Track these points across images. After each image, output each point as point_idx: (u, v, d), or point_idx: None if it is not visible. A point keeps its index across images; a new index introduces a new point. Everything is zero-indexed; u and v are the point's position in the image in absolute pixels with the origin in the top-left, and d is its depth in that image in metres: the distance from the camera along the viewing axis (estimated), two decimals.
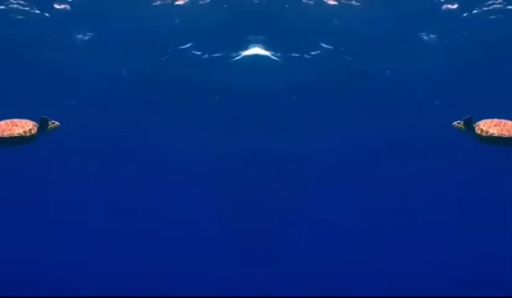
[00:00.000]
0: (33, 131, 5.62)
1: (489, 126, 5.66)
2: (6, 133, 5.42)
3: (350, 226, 10.07)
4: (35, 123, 5.72)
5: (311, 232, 10.22)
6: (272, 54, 8.73)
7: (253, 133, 9.52)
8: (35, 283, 9.18)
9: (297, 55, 8.73)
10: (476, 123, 5.82)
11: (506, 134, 5.54)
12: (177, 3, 7.84)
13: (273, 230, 9.92)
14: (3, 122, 5.56)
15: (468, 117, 5.83)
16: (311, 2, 7.86)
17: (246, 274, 9.64)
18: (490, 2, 7.79)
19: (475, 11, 7.87)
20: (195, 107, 9.36)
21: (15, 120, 5.53)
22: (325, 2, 7.83)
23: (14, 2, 7.71)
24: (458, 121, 5.89)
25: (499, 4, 7.84)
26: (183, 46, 8.64)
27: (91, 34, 8.30)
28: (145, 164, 9.76)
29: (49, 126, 5.76)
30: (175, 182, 9.79)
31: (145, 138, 9.66)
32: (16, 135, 5.48)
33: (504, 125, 5.60)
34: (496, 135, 5.59)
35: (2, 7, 7.76)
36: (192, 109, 9.38)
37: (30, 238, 9.51)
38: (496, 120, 5.67)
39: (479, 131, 5.71)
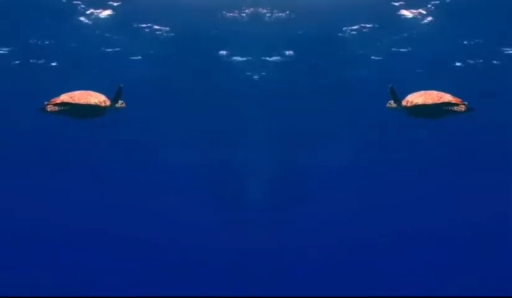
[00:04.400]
0: (107, 103, 5.83)
1: (414, 97, 5.89)
2: (82, 101, 5.67)
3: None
4: (106, 98, 5.89)
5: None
6: None
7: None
8: None
9: None
10: (405, 98, 5.99)
11: (429, 101, 5.77)
12: None
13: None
14: (78, 92, 5.79)
15: (390, 86, 5.92)
16: None
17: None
18: None
19: None
20: None
21: (89, 91, 5.83)
22: None
23: None
24: (389, 101, 6.04)
25: None
26: None
27: None
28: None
29: (117, 106, 5.90)
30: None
31: None
32: (92, 103, 5.70)
33: (429, 95, 5.84)
34: (420, 103, 5.80)
35: None
36: None
37: None
38: (422, 91, 5.96)
39: (404, 103, 5.92)
